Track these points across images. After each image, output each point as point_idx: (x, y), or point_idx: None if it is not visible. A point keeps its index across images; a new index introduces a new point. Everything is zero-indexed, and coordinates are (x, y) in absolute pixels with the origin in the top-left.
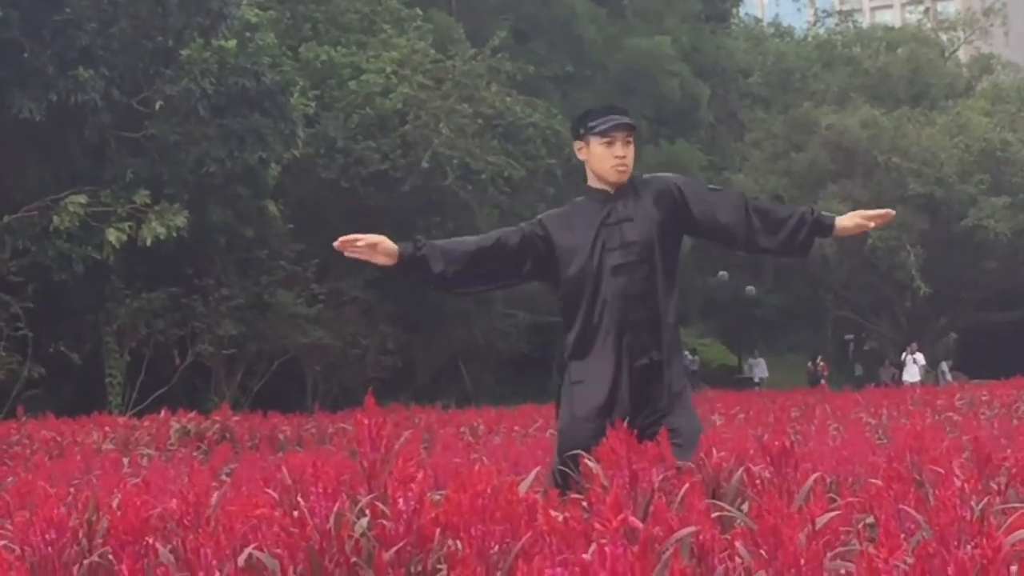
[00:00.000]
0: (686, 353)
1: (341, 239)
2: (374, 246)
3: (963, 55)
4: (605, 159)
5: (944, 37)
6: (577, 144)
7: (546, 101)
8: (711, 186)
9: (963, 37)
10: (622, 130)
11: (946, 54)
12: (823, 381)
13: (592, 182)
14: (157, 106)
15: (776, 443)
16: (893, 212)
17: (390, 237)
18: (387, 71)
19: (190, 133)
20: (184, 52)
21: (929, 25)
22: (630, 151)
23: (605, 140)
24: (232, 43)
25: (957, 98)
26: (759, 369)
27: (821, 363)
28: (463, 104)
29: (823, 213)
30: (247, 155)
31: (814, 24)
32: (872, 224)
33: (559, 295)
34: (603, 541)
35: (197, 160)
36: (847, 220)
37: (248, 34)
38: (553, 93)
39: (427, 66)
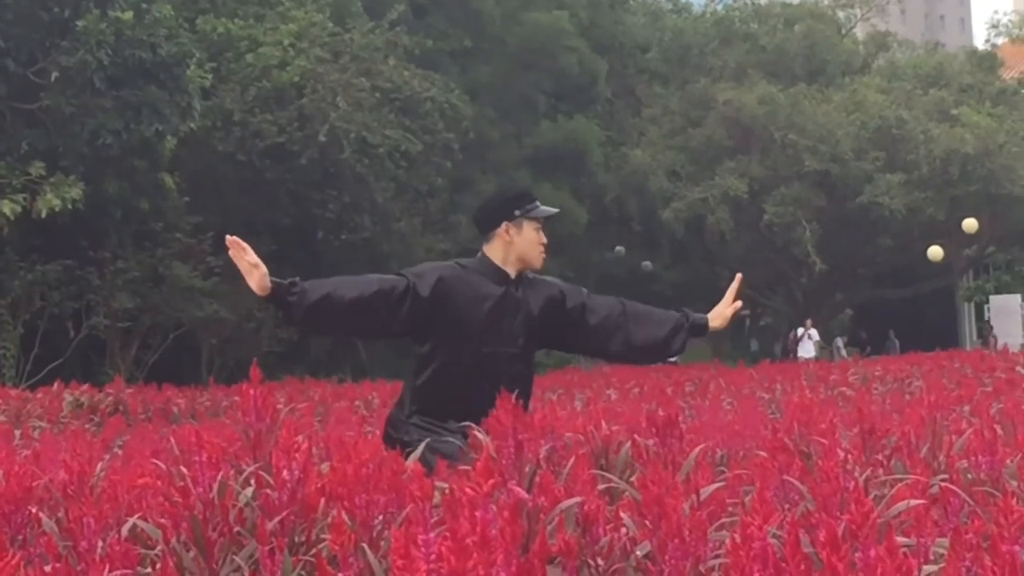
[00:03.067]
0: None
1: (235, 241)
2: (255, 267)
3: (860, 32)
4: (535, 244)
5: (841, 14)
6: (504, 224)
7: (444, 75)
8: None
9: (860, 14)
10: (547, 220)
11: (843, 31)
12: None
13: (503, 260)
14: (53, 77)
15: (661, 414)
16: (741, 275)
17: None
18: (284, 44)
19: (86, 105)
20: (80, 23)
21: (826, 2)
22: None
23: (537, 226)
24: (129, 14)
25: (853, 75)
26: None
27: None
28: (360, 78)
29: (696, 315)
30: (143, 127)
31: (712, 0)
32: (733, 302)
33: (422, 346)
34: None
35: (93, 132)
36: (716, 320)
37: (145, 5)
38: (451, 68)
39: (325, 39)
